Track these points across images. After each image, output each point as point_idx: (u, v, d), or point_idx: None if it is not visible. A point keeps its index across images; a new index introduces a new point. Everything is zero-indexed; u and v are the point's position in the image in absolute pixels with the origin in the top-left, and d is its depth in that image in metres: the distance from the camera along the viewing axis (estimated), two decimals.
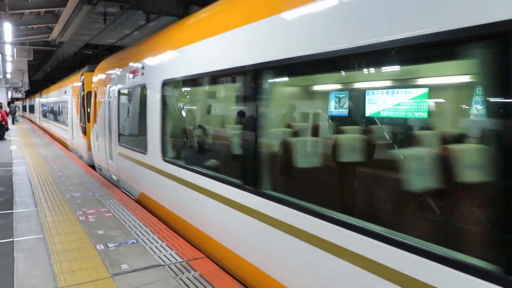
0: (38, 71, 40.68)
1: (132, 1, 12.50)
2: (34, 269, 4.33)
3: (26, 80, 35.91)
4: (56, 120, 21.63)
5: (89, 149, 12.21)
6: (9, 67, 31.74)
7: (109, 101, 9.33)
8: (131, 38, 17.60)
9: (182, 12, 12.59)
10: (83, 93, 13.08)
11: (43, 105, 28.99)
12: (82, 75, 13.42)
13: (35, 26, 20.08)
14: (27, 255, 4.71)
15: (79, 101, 13.49)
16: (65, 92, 17.39)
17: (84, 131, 12.96)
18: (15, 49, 22.85)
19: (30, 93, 47.00)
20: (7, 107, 32.27)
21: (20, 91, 43.32)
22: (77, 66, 23.89)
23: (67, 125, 16.63)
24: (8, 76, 34.22)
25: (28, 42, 21.75)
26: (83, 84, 13.15)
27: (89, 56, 24.68)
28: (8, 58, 27.38)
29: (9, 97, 42.41)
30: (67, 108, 16.83)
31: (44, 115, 28.26)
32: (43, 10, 17.34)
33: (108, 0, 13.27)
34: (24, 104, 56.10)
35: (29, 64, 33.05)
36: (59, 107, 20.42)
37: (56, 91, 21.53)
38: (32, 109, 41.80)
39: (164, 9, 12.50)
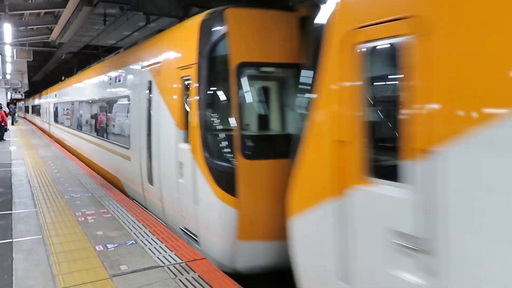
0: (37, 72, 40.70)
1: (132, 2, 12.50)
2: (33, 270, 4.33)
3: (26, 81, 36.00)
4: (88, 131, 12.77)
5: (243, 236, 4.64)
6: (8, 68, 31.79)
7: None
8: (131, 39, 17.62)
9: (182, 14, 12.61)
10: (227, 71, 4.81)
11: (56, 105, 20.41)
12: (209, 18, 5.11)
13: (35, 27, 20.11)
14: (26, 256, 4.70)
15: (200, 94, 5.02)
16: (116, 82, 9.41)
17: (229, 180, 4.64)
18: (14, 50, 22.92)
19: (30, 94, 46.95)
20: (7, 108, 32.29)
21: (19, 92, 43.43)
22: (77, 67, 23.89)
23: (126, 147, 8.14)
24: (8, 77, 34.27)
25: (27, 43, 21.79)
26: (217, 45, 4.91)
27: (89, 58, 24.70)
28: (8, 59, 27.42)
29: (9, 98, 42.50)
30: (117, 113, 9.44)
31: (59, 120, 19.52)
32: (43, 11, 17.36)
33: (108, 1, 13.28)
34: (27, 105, 50.48)
35: (28, 65, 33.11)
36: (94, 108, 12.02)
37: (85, 82, 13.56)
38: (37, 110, 33.27)
39: (164, 10, 12.52)
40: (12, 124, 31.91)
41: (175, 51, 6.10)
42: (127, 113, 8.30)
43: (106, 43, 19.48)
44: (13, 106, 40.49)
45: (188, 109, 5.36)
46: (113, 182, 9.30)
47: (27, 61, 27.98)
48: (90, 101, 12.43)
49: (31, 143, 18.63)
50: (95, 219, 6.18)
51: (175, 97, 5.77)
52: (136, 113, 7.55)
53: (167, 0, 12.40)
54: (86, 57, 23.85)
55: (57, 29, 18.38)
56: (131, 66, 8.22)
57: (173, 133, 5.72)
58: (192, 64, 5.14)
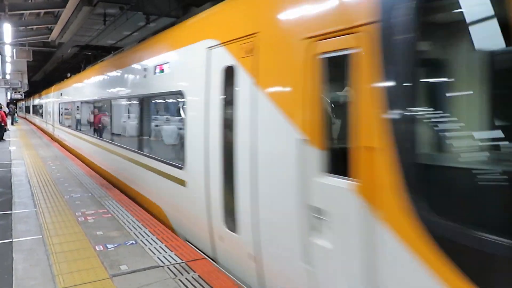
0: (37, 72, 40.73)
1: (132, 2, 12.52)
2: (33, 270, 4.32)
3: (26, 81, 36.07)
4: (101, 136, 10.95)
5: None
6: (8, 68, 31.84)
7: None
8: (131, 39, 17.63)
9: (181, 14, 12.62)
10: None
11: (63, 105, 17.94)
12: None
13: (34, 27, 20.14)
14: (26, 256, 4.70)
15: (398, 81, 2.43)
16: (155, 73, 6.61)
17: None
18: (14, 50, 22.93)
19: (30, 93, 46.97)
20: (7, 108, 32.31)
21: (19, 92, 43.49)
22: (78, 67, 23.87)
23: (179, 167, 5.61)
24: (8, 77, 34.32)
25: (27, 43, 21.82)
26: None
27: (89, 57, 24.71)
28: (8, 59, 27.46)
29: (9, 98, 42.56)
30: (158, 116, 7.49)
31: (65, 123, 17.26)
32: (43, 11, 17.39)
33: (108, 1, 13.30)
34: (27, 105, 49.10)
35: (28, 65, 33.16)
36: (114, 109, 9.87)
37: (103, 76, 10.70)
38: (39, 111, 31.20)
39: (164, 10, 12.54)
40: (12, 124, 31.92)
41: (296, 9, 3.41)
42: (180, 116, 5.98)
43: (106, 43, 19.51)
44: (13, 106, 40.54)
45: (334, 112, 3.18)
46: (152, 212, 6.68)
47: (27, 61, 28.01)
48: (109, 100, 9.96)
49: (31, 143, 18.63)
50: (95, 219, 6.17)
51: (301, 90, 3.23)
52: (198, 116, 4.98)
53: (167, 0, 12.43)
54: (86, 56, 23.86)
55: (57, 29, 18.41)
56: (184, 48, 5.66)
57: (296, 154, 3.27)
58: (357, 26, 2.72)
